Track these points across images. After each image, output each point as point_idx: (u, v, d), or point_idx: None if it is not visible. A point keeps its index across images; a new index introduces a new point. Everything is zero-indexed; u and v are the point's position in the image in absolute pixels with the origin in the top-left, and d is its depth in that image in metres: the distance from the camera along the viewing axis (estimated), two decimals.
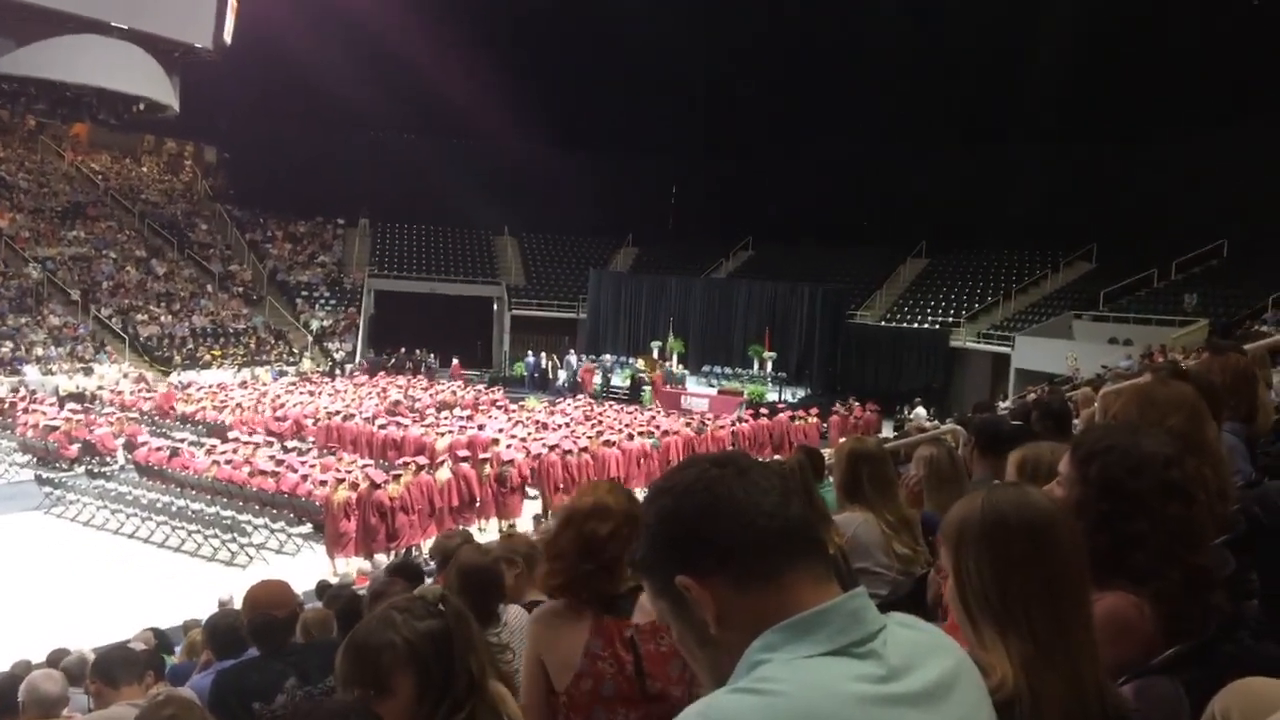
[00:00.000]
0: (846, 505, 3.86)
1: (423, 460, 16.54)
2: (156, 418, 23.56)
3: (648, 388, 31.34)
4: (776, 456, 19.32)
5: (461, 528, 16.27)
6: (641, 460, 20.09)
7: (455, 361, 35.37)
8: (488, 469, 17.23)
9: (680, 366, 32.91)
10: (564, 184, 41.41)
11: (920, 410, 26.19)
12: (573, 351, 35.08)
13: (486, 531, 16.60)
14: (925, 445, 4.29)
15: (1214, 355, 3.63)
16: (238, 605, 4.58)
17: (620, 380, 32.88)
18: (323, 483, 16.36)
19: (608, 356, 34.48)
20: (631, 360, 33.49)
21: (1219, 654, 1.58)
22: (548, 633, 2.48)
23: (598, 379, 32.76)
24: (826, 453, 7.28)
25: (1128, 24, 30.10)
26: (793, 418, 25.36)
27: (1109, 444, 1.81)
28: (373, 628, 1.92)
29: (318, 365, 34.54)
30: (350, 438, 21.48)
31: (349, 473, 16.29)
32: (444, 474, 16.47)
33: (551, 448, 18.88)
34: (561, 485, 18.39)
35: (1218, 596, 1.70)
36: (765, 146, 40.45)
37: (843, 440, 4.81)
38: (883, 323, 34.92)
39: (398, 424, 21.81)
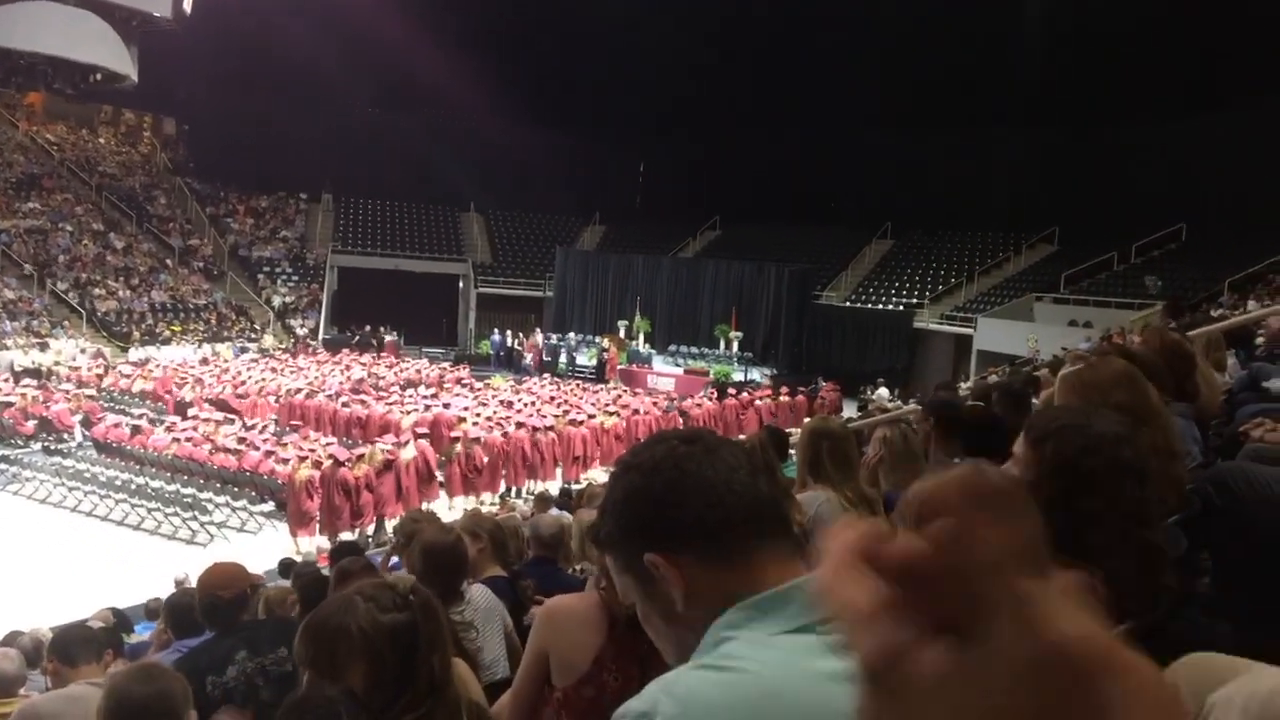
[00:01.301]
0: (810, 483, 3.90)
1: (388, 444, 16.43)
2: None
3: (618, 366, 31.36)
4: (741, 436, 19.43)
5: (426, 506, 16.26)
6: (611, 440, 20.15)
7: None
8: (458, 447, 17.18)
9: (647, 345, 32.92)
10: (532, 161, 41.13)
11: (883, 391, 26.44)
12: (538, 332, 34.97)
13: (455, 510, 16.61)
14: (883, 426, 4.34)
15: (1149, 333, 3.70)
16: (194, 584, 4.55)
17: (586, 359, 32.85)
18: (285, 460, 16.22)
19: (573, 335, 34.43)
20: (598, 339, 33.46)
21: (1169, 632, 1.62)
22: (560, 630, 2.43)
23: (564, 358, 32.70)
24: (791, 432, 7.31)
25: (1095, 8, 30.34)
26: (759, 399, 25.50)
27: (1061, 424, 1.83)
28: (333, 611, 1.89)
29: (280, 342, 34.17)
30: (314, 415, 21.30)
31: (312, 451, 16.16)
32: (409, 451, 16.40)
33: (518, 426, 18.84)
34: (527, 464, 18.39)
35: (1169, 576, 1.73)
36: (734, 126, 40.41)
37: (807, 420, 4.85)
38: (848, 303, 35.13)
39: (362, 402, 21.65)
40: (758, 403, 25.17)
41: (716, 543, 1.21)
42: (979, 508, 1.28)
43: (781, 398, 25.93)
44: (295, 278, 38.59)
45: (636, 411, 22.04)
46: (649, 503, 1.23)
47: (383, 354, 32.72)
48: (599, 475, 19.52)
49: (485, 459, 17.38)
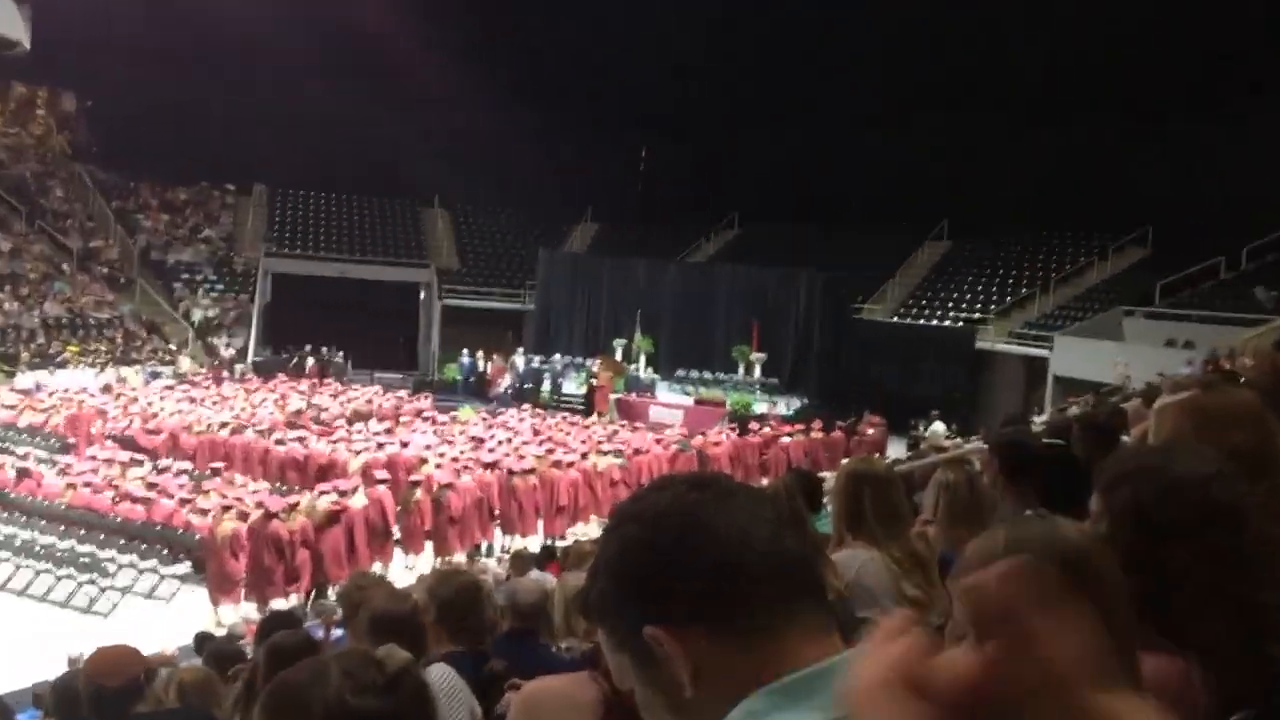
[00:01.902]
0: (848, 540, 3.90)
1: (332, 492, 16.41)
2: (48, 437, 22.87)
3: (611, 398, 31.37)
4: (764, 481, 19.41)
5: (379, 568, 16.22)
6: (606, 485, 20.15)
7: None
8: (418, 493, 17.18)
9: (649, 370, 32.96)
10: (509, 147, 41.32)
11: (938, 426, 26.43)
12: (520, 351, 35.03)
13: (416, 569, 16.58)
14: (943, 469, 4.34)
15: (1260, 357, 3.70)
16: None
17: (575, 386, 32.88)
18: (205, 511, 16.19)
19: (559, 358, 34.47)
20: (589, 362, 33.51)
21: None
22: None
23: (547, 385, 32.73)
24: (825, 477, 7.33)
25: None
26: (785, 434, 25.48)
27: (1136, 467, 1.83)
28: (301, 680, 1.85)
29: (200, 365, 34.21)
30: (241, 456, 21.30)
31: (238, 499, 16.14)
32: (359, 500, 16.38)
33: (489, 467, 18.84)
34: (499, 515, 18.37)
35: None
36: (758, 106, 40.62)
37: (844, 462, 4.85)
38: (895, 319, 35.19)
39: (299, 439, 21.65)
40: (784, 440, 25.15)
41: (733, 613, 1.21)
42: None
43: (814, 434, 25.93)
44: (220, 287, 38.72)
45: (639, 451, 22.04)
46: (650, 563, 1.23)
47: (326, 380, 32.75)
48: (590, 530, 19.48)
49: (459, 508, 17.39)
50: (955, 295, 35.68)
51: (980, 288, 35.69)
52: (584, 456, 20.79)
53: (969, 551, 1.70)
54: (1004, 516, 3.77)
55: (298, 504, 15.78)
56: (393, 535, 16.86)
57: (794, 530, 1.29)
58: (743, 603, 1.21)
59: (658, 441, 23.78)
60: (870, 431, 26.94)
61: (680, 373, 33.60)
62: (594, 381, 31.89)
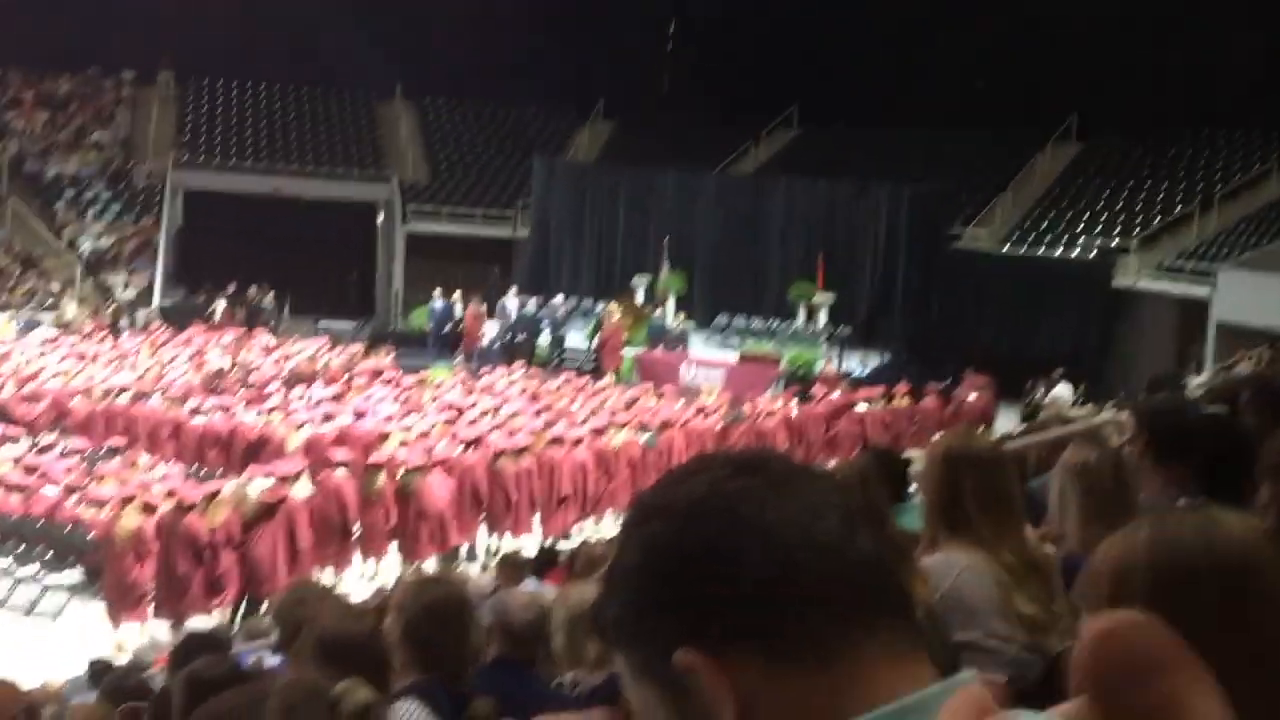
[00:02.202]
0: (942, 540, 3.90)
1: (266, 475, 16.51)
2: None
3: (628, 351, 31.36)
4: (830, 463, 19.42)
5: (325, 574, 16.31)
6: (625, 469, 20.26)
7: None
8: (380, 479, 17.28)
9: (679, 317, 32.91)
10: (491, 22, 41.08)
11: (1063, 389, 26.33)
12: (513, 292, 34.99)
13: (379, 576, 16.68)
14: (1073, 447, 4.34)
15: None
16: None
17: (583, 339, 32.92)
18: (100, 503, 16.31)
19: (560, 300, 34.44)
20: (600, 306, 33.49)
21: None
22: None
23: (545, 337, 32.75)
24: (911, 458, 7.33)
25: None
26: (861, 401, 25.44)
27: None
28: (231, 711, 1.86)
29: (92, 312, 34.34)
30: (147, 430, 21.43)
31: (142, 487, 16.26)
32: (301, 489, 16.47)
33: (469, 445, 18.89)
34: (486, 508, 18.45)
35: None
36: None
37: (937, 438, 4.84)
38: (1005, 248, 34.95)
39: (223, 408, 21.75)
40: (859, 409, 25.12)
41: (790, 632, 1.21)
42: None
43: (897, 401, 25.88)
44: (115, 208, 38.81)
45: (669, 424, 22.11)
46: (682, 568, 1.23)
47: (256, 331, 32.87)
48: (603, 527, 19.55)
49: (432, 499, 17.50)
50: (1086, 216, 35.38)
51: (1120, 206, 35.40)
52: (598, 433, 20.81)
53: (1099, 557, 1.70)
54: (1149, 507, 3.77)
55: (221, 493, 15.85)
56: (351, 533, 16.94)
57: (869, 527, 1.28)
58: (802, 619, 1.21)
59: (699, 411, 23.75)
60: (972, 397, 26.87)
61: (721, 320, 33.53)
62: (601, 334, 31.84)
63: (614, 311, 32.17)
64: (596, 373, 30.34)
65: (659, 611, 1.25)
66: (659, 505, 1.28)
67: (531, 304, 34.15)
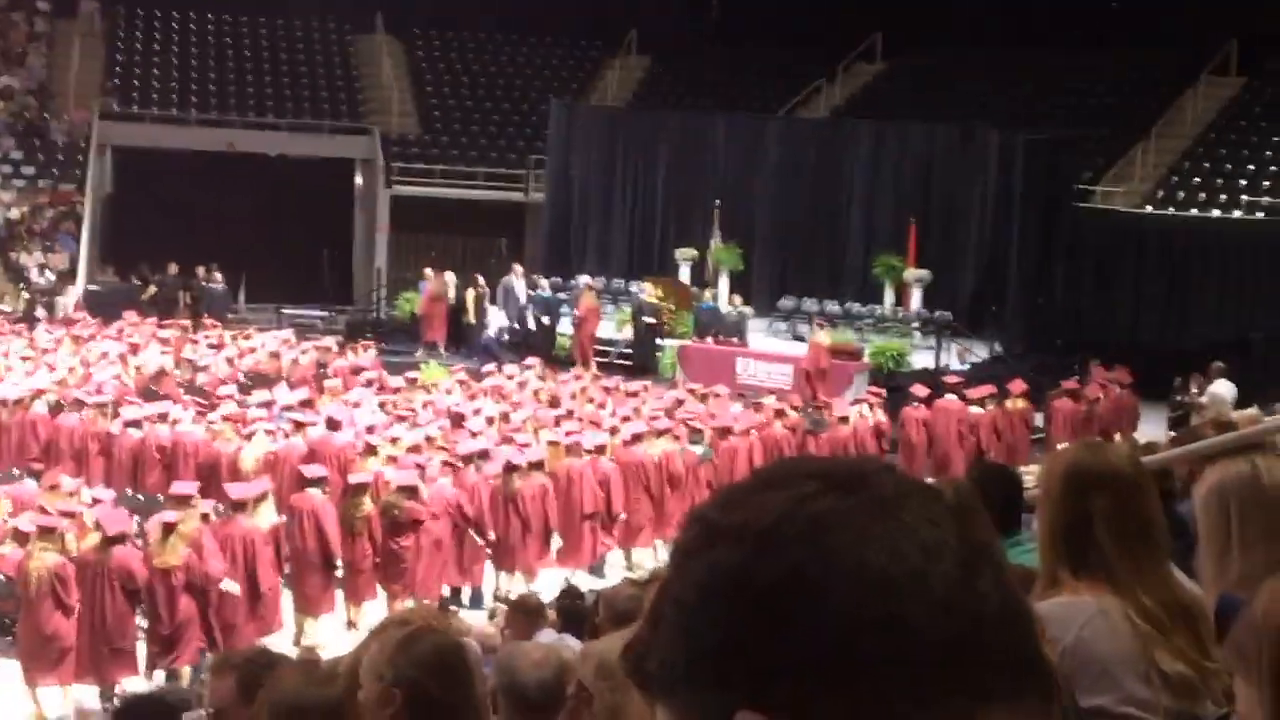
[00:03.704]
0: (1064, 579, 3.87)
1: (209, 504, 16.58)
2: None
3: (670, 345, 31.36)
4: (929, 480, 19.28)
5: (305, 625, 16.37)
6: (669, 485, 20.32)
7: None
8: (365, 505, 17.34)
9: (735, 300, 32.88)
10: None
11: (1223, 387, 26.16)
12: (516, 271, 35.04)
13: (360, 627, 16.76)
14: (1227, 462, 4.30)
15: None
16: None
17: (614, 328, 33.02)
18: (15, 536, 16.40)
19: (585, 280, 34.44)
20: (637, 286, 33.51)
21: None
22: None
23: (565, 325, 32.76)
24: (1028, 472, 7.31)
25: None
26: (969, 402, 25.41)
27: None
28: None
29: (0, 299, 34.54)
30: (70, 445, 21.53)
31: (67, 516, 16.33)
32: (265, 517, 16.54)
33: (467, 460, 18.92)
34: (491, 541, 18.49)
35: None
36: None
37: (1061, 449, 4.81)
38: (1149, 208, 34.77)
39: (164, 418, 21.83)
40: (969, 412, 25.10)
41: (888, 700, 1.19)
42: None
43: (1012, 402, 25.78)
44: (28, 171, 39.01)
45: (729, 432, 22.16)
46: (749, 610, 1.21)
47: (204, 321, 33.00)
48: (644, 559, 19.61)
49: (428, 529, 17.56)
50: (1252, 168, 35.22)
51: None
52: (635, 439, 20.84)
53: (1260, 607, 1.68)
54: None
55: (173, 525, 15.87)
56: (334, 571, 17.04)
57: (991, 569, 1.24)
58: (906, 685, 1.19)
59: (777, 415, 23.73)
60: (1103, 396, 26.73)
61: (787, 303, 33.59)
62: (643, 319, 31.80)
63: (651, 293, 32.18)
64: (636, 367, 30.38)
65: (717, 661, 1.23)
66: (723, 526, 1.25)
67: (545, 285, 34.02)
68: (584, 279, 34.42)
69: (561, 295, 33.78)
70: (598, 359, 31.57)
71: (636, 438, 21.03)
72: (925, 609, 1.18)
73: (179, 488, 17.04)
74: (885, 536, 1.20)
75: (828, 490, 1.23)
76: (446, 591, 18.52)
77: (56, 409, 22.58)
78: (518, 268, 34.99)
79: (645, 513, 20.11)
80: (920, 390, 25.94)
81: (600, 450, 20.15)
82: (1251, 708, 1.68)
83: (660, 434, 21.45)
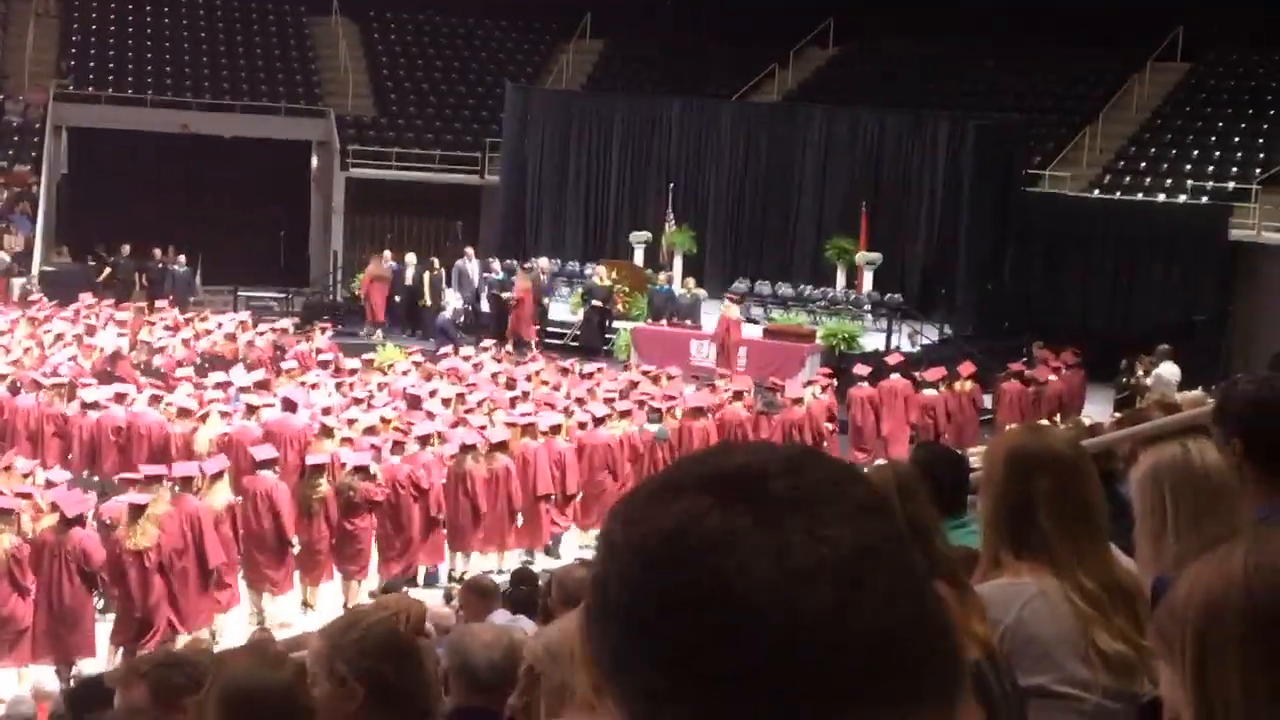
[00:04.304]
0: (1006, 560, 3.89)
1: (165, 480, 16.53)
2: None
3: (624, 327, 31.32)
4: (869, 464, 19.37)
5: (264, 603, 16.38)
6: (627, 463, 20.38)
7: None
8: (320, 486, 17.31)
9: (688, 283, 32.86)
10: None
11: (1167, 368, 26.27)
12: (470, 253, 34.95)
13: (316, 607, 16.76)
14: (1166, 444, 4.33)
15: None
16: None
17: (569, 310, 32.99)
18: None
19: (542, 263, 34.38)
20: (590, 269, 33.44)
21: None
22: None
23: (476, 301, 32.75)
24: (973, 454, 7.34)
25: None
26: (918, 383, 25.49)
27: None
28: None
29: None
30: (25, 427, 21.42)
31: (23, 498, 16.26)
32: (219, 496, 16.50)
33: (423, 441, 18.94)
34: (448, 520, 18.47)
35: None
36: None
37: (1007, 432, 4.84)
38: (1095, 192, 34.89)
39: (119, 397, 21.72)
40: (919, 394, 25.17)
41: (797, 710, 1.20)
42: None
43: (961, 384, 25.85)
44: None
45: (702, 412, 22.30)
46: (643, 622, 1.22)
47: (160, 303, 32.82)
48: (593, 540, 19.64)
49: (385, 510, 17.53)
50: (1196, 154, 35.35)
51: (1237, 140, 35.33)
52: (596, 422, 20.86)
53: (1182, 587, 1.70)
54: (1246, 521, 3.77)
55: (143, 507, 15.78)
56: (289, 550, 17.04)
57: (903, 579, 1.23)
58: (784, 705, 1.20)
59: (735, 397, 23.81)
60: (1053, 377, 26.83)
61: (739, 285, 33.51)
62: (594, 301, 31.73)
63: (604, 275, 32.13)
64: (585, 350, 30.37)
65: (630, 661, 1.24)
66: (618, 538, 1.26)
67: (497, 267, 33.85)
68: (541, 261, 34.30)
69: (509, 279, 33.66)
70: (551, 340, 31.55)
71: (598, 420, 21.02)
72: (802, 631, 1.18)
73: (148, 469, 16.94)
74: (758, 560, 1.19)
75: (718, 505, 1.22)
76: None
77: (13, 390, 22.46)
78: (469, 250, 34.94)
79: (608, 493, 20.08)
80: (867, 371, 25.97)
81: (555, 430, 20.16)
82: (1174, 690, 1.70)
83: (622, 415, 21.49)
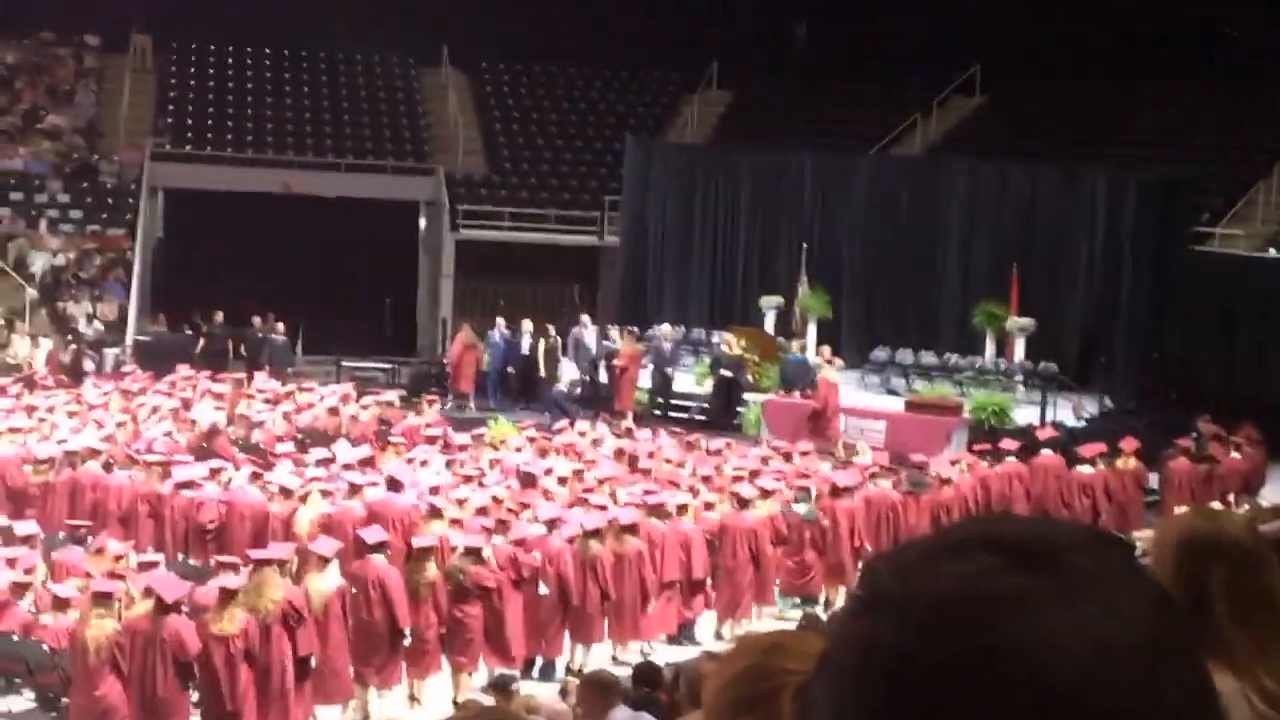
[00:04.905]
0: None
1: (282, 554, 16.65)
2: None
3: (754, 399, 31.25)
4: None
5: (364, 701, 16.41)
6: (767, 548, 20.28)
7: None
8: (429, 570, 17.37)
9: (825, 351, 32.71)
10: None
11: None
12: (587, 320, 35.03)
13: (423, 701, 16.82)
14: None
15: None
16: None
17: (695, 381, 32.97)
18: (60, 605, 16.48)
19: (665, 330, 34.42)
20: (717, 337, 33.41)
21: None
22: None
23: (650, 378, 32.67)
24: (1140, 537, 7.25)
25: None
26: (1073, 460, 25.18)
27: None
28: None
29: (47, 352, 34.71)
30: (118, 507, 21.61)
31: (117, 579, 16.40)
32: (327, 580, 16.58)
33: (550, 524, 18.96)
34: (571, 611, 18.43)
35: None
36: None
37: (1175, 515, 4.79)
38: (1270, 251, 34.43)
39: (214, 474, 21.89)
40: (1077, 471, 24.91)
41: None
42: None
43: (1124, 462, 25.49)
44: (76, 215, 39.25)
45: (836, 490, 22.15)
46: (908, 691, 1.18)
47: (260, 375, 33.13)
48: (739, 629, 19.51)
49: (498, 598, 17.61)
50: None
51: None
52: (742, 502, 20.74)
53: None
54: None
55: (234, 592, 15.88)
56: (401, 641, 17.07)
57: (1182, 668, 1.21)
58: None
59: (886, 472, 23.71)
60: (1235, 455, 26.39)
61: (879, 354, 33.49)
62: (724, 373, 31.64)
63: (732, 343, 32.07)
64: (717, 422, 30.35)
65: None
66: (889, 592, 1.22)
67: (616, 335, 33.90)
68: (663, 328, 34.31)
69: (639, 346, 33.68)
70: (677, 414, 31.53)
71: (742, 501, 20.88)
72: (1104, 710, 1.15)
73: (257, 552, 16.98)
74: (1061, 630, 1.16)
75: (1011, 568, 1.19)
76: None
77: (106, 468, 22.66)
78: (586, 317, 34.99)
79: (746, 579, 20.07)
80: (1020, 446, 25.71)
81: (682, 511, 20.12)
82: None
83: (765, 495, 21.42)
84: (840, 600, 20.91)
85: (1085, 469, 25.11)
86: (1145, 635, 1.17)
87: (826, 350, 32.25)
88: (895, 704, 1.17)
